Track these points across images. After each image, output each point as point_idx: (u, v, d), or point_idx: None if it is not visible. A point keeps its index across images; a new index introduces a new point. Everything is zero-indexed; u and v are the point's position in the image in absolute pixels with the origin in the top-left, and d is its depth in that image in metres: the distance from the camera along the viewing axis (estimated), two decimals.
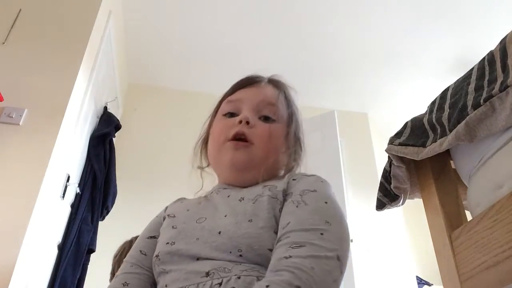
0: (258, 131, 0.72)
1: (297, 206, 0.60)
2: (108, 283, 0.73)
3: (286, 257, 0.51)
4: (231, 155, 0.71)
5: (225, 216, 0.64)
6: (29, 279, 1.66)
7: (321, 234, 0.54)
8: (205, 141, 0.82)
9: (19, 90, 1.85)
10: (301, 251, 0.52)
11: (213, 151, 0.76)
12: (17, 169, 1.68)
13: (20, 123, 1.77)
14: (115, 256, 1.46)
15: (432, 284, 3.29)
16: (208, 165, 0.82)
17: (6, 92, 1.79)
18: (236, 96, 0.78)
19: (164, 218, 0.74)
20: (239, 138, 0.71)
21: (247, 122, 0.72)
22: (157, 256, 0.65)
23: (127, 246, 1.45)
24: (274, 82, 0.82)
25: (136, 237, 1.49)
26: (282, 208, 0.62)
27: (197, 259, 0.60)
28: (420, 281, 3.28)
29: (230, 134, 0.72)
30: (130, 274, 0.67)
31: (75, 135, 2.08)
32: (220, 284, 0.54)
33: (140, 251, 0.71)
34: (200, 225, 0.65)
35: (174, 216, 0.71)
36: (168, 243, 0.65)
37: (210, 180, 0.81)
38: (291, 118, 0.79)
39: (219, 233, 0.61)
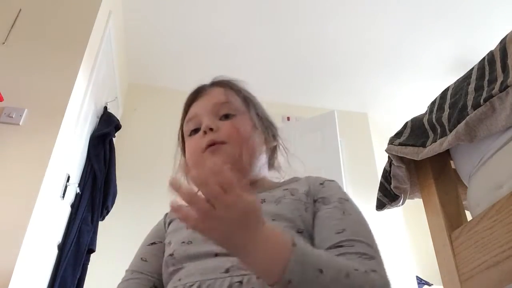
0: (224, 130, 0.73)
1: (343, 213, 0.62)
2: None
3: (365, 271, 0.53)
4: (212, 161, 0.70)
5: None
6: (29, 279, 1.66)
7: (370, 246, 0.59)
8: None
9: (19, 90, 1.85)
10: (372, 264, 0.55)
11: (195, 168, 0.75)
12: (17, 169, 1.68)
13: (20, 123, 1.77)
14: None
15: (432, 284, 3.29)
16: None
17: (6, 92, 1.79)
18: (191, 113, 0.78)
19: (168, 224, 0.74)
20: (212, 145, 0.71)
21: (211, 129, 0.72)
22: (171, 255, 0.64)
23: None
24: (217, 83, 0.83)
25: None
26: (310, 209, 0.64)
27: (216, 255, 0.59)
28: (420, 281, 3.28)
29: (202, 146, 0.72)
30: (130, 281, 0.68)
31: (75, 135, 2.08)
32: (241, 282, 0.53)
33: (141, 258, 0.71)
34: None
35: None
36: (184, 242, 0.64)
37: None
38: (247, 103, 0.80)
39: None
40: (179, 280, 0.59)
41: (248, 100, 0.80)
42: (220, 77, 0.84)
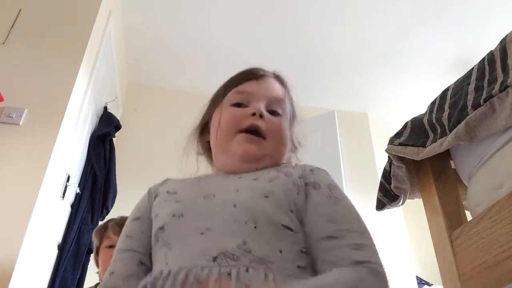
0: (271, 125, 0.73)
1: (333, 199, 0.63)
2: None
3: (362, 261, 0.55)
4: (244, 147, 0.70)
5: (237, 190, 0.64)
6: (29, 279, 1.66)
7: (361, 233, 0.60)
8: (202, 128, 0.82)
9: (19, 90, 1.85)
10: (365, 254, 0.56)
11: (220, 139, 0.74)
12: (17, 169, 1.68)
13: (20, 123, 1.77)
14: (95, 233, 1.61)
15: (432, 284, 3.28)
16: (204, 152, 0.82)
17: (6, 92, 1.78)
18: (245, 88, 0.77)
19: (154, 197, 0.72)
20: (252, 130, 0.71)
21: (261, 116, 0.72)
22: (161, 228, 0.63)
23: (110, 224, 1.58)
24: (280, 79, 0.83)
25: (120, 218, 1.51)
26: (302, 193, 0.64)
27: (206, 230, 0.58)
28: (420, 281, 3.28)
29: (242, 125, 0.72)
30: (117, 263, 0.66)
31: (75, 135, 2.08)
32: (229, 274, 0.52)
33: (126, 235, 0.69)
34: (209, 201, 0.64)
35: (175, 193, 0.69)
36: (174, 215, 0.63)
37: (204, 167, 0.81)
38: (295, 116, 0.81)
39: (234, 206, 0.60)
40: (167, 264, 0.58)
41: (295, 114, 0.81)
42: (282, 75, 0.84)
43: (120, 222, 1.56)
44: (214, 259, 0.54)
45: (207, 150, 0.81)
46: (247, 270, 0.52)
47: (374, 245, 0.58)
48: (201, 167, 0.82)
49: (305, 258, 0.58)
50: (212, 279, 0.51)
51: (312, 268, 0.58)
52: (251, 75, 0.80)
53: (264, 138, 0.72)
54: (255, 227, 0.58)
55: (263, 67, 0.85)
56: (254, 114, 0.72)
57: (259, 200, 0.61)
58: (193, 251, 0.56)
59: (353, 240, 0.57)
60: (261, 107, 0.73)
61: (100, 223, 2.32)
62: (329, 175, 0.70)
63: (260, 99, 0.75)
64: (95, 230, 1.61)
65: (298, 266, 0.56)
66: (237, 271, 0.52)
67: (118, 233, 1.40)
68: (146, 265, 0.65)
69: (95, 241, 1.59)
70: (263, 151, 0.71)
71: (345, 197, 0.65)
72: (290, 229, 0.59)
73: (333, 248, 0.57)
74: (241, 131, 0.72)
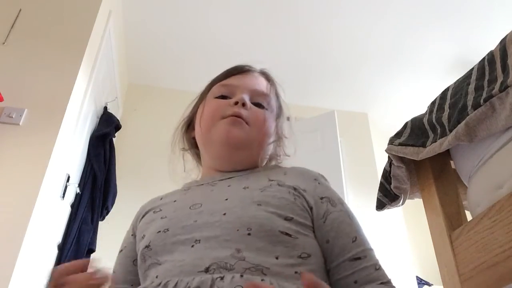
0: (253, 114, 0.72)
1: (349, 217, 0.65)
2: None
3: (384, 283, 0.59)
4: (226, 129, 0.69)
5: (226, 199, 0.62)
6: (29, 279, 1.66)
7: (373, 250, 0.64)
8: (188, 125, 0.82)
9: (19, 90, 1.85)
10: (383, 274, 0.61)
11: (204, 130, 0.74)
12: (17, 169, 1.68)
13: (20, 123, 1.77)
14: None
15: (432, 284, 3.28)
16: (189, 149, 0.82)
17: (6, 92, 1.79)
18: (230, 81, 0.77)
19: (140, 219, 0.70)
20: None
21: (243, 105, 0.72)
22: (147, 246, 0.60)
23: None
24: (266, 75, 0.83)
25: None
26: (300, 200, 0.63)
27: (195, 242, 0.56)
28: (420, 281, 3.28)
29: (226, 113, 0.71)
30: None
31: (75, 135, 2.08)
32: (222, 278, 0.50)
33: (113, 271, 0.68)
34: (196, 211, 0.61)
35: (160, 210, 0.67)
36: (159, 231, 0.60)
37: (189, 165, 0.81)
38: (280, 111, 0.81)
39: (224, 214, 0.58)
40: (157, 277, 0.55)
41: (281, 109, 0.81)
42: (269, 72, 0.85)
43: None
44: (206, 269, 0.52)
45: (193, 146, 0.82)
46: (241, 276, 0.50)
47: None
48: (187, 166, 0.82)
49: (304, 263, 0.57)
50: (203, 286, 0.49)
51: (312, 274, 0.57)
52: (236, 70, 0.80)
53: (248, 124, 0.71)
54: (249, 234, 0.55)
55: (262, 67, 0.85)
56: (236, 103, 0.72)
57: (251, 207, 0.59)
58: (183, 264, 0.54)
59: (373, 260, 0.61)
60: (245, 97, 0.73)
61: (100, 222, 2.32)
62: (329, 183, 0.70)
63: (244, 91, 0.75)
64: None
65: (296, 272, 0.55)
66: (232, 277, 0.50)
67: None
68: None
69: None
70: (247, 137, 0.70)
71: (351, 210, 0.67)
72: (288, 235, 0.57)
73: (359, 268, 0.59)
74: (224, 118, 0.71)
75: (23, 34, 2.01)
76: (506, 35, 0.74)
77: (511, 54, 0.71)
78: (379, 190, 1.08)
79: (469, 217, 0.84)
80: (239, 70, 0.80)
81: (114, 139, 2.70)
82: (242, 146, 0.71)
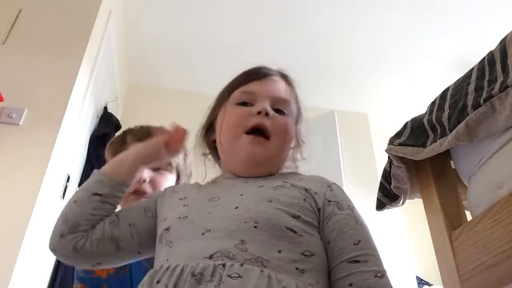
0: (276, 123, 0.74)
1: (356, 223, 0.65)
2: None
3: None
4: (249, 150, 0.72)
5: (241, 195, 0.66)
6: (29, 279, 1.66)
7: (379, 258, 0.63)
8: (207, 128, 0.83)
9: (19, 90, 1.85)
10: (385, 281, 0.60)
11: (226, 139, 0.76)
12: (17, 169, 1.68)
13: (20, 123, 1.77)
14: (109, 146, 1.17)
15: (432, 284, 3.28)
16: (210, 152, 0.83)
17: (6, 92, 1.78)
18: (250, 88, 0.78)
19: (164, 196, 0.74)
20: (257, 130, 0.72)
21: (266, 114, 0.73)
22: (167, 229, 0.65)
23: (129, 137, 1.15)
24: (286, 78, 0.84)
25: (140, 127, 1.21)
26: (309, 201, 0.65)
27: (206, 231, 0.59)
28: (420, 281, 3.28)
29: (248, 124, 0.72)
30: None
31: (75, 135, 2.08)
32: (224, 265, 0.53)
33: (129, 224, 0.71)
34: (213, 203, 0.66)
35: (185, 198, 0.71)
36: (180, 217, 0.65)
37: (211, 169, 0.82)
38: (299, 115, 0.82)
39: (236, 208, 0.62)
40: (167, 260, 0.59)
41: (300, 114, 0.82)
42: (287, 74, 0.85)
43: (139, 133, 1.16)
44: (211, 256, 0.55)
45: (213, 149, 0.82)
46: (241, 265, 0.53)
47: (385, 269, 0.61)
48: (208, 166, 0.83)
49: (306, 261, 0.58)
50: (206, 272, 0.53)
51: (314, 273, 0.58)
52: (256, 74, 0.81)
53: (268, 138, 0.72)
54: (255, 227, 0.58)
55: (267, 65, 0.85)
56: (259, 112, 0.73)
57: (263, 203, 0.62)
58: (192, 250, 0.58)
59: (374, 266, 0.60)
60: (267, 105, 0.74)
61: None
62: (345, 192, 0.71)
63: (265, 98, 0.76)
64: (109, 143, 1.19)
65: (297, 268, 0.57)
66: (231, 265, 0.53)
67: None
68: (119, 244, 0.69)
69: (108, 156, 1.15)
70: (268, 153, 0.72)
71: (364, 220, 0.67)
72: (294, 232, 0.60)
73: (356, 271, 0.59)
74: (246, 132, 0.72)
75: (23, 34, 2.01)
76: (506, 35, 0.74)
77: (511, 54, 0.71)
78: (379, 190, 1.08)
79: (469, 217, 0.84)
80: (259, 75, 0.81)
81: None
82: (264, 164, 0.73)
